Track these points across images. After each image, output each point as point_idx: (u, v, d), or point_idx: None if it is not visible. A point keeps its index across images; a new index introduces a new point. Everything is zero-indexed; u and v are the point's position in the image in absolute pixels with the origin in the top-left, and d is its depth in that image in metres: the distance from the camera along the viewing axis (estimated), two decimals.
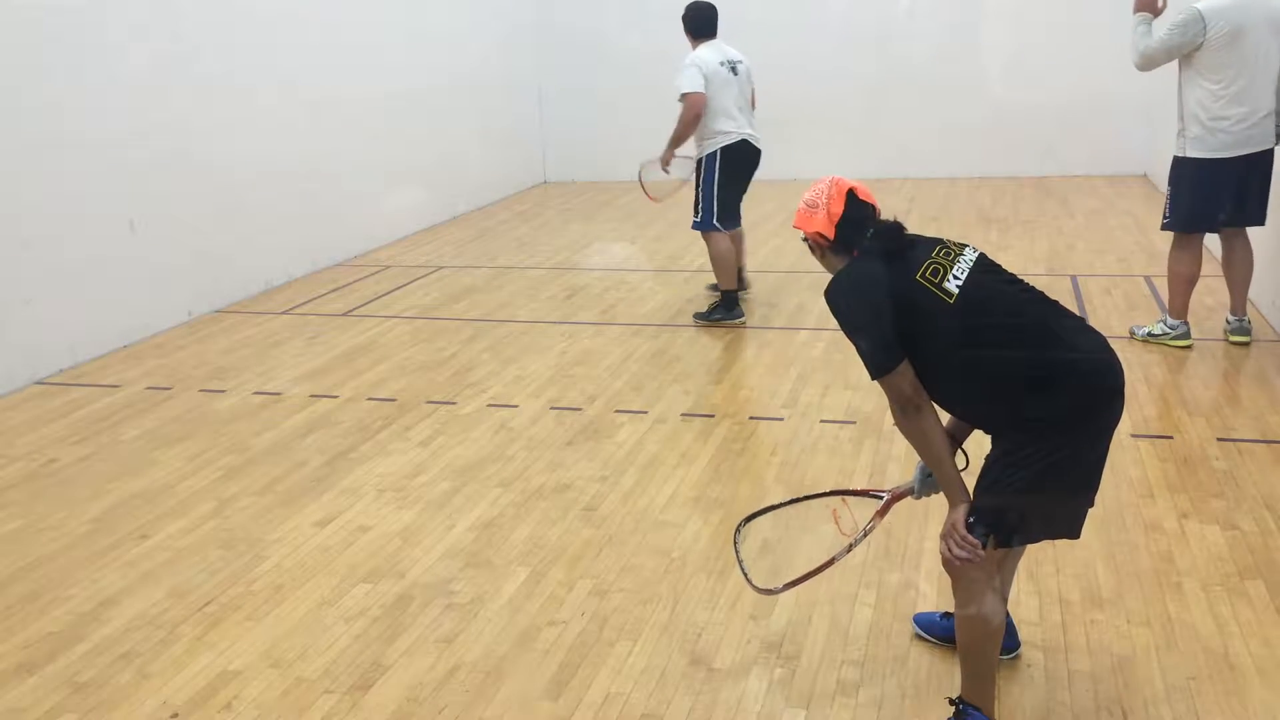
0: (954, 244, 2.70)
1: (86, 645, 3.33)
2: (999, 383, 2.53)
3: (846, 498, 2.93)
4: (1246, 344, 5.49)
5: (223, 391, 5.56)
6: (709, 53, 6.26)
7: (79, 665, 3.22)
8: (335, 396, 5.42)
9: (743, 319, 6.34)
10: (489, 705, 2.94)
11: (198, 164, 6.88)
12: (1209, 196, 5.21)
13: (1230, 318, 5.55)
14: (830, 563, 2.83)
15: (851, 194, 2.69)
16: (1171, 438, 4.45)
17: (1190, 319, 5.60)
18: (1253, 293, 6.08)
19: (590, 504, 4.12)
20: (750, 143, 6.33)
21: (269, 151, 7.54)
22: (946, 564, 2.61)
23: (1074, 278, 6.94)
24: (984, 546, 2.53)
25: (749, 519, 3.03)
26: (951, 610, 3.13)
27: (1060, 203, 9.46)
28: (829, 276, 2.74)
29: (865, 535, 2.81)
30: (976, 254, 2.68)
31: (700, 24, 6.34)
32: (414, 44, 9.35)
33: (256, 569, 3.74)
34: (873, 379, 2.60)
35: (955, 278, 2.58)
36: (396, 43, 9.11)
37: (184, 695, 3.05)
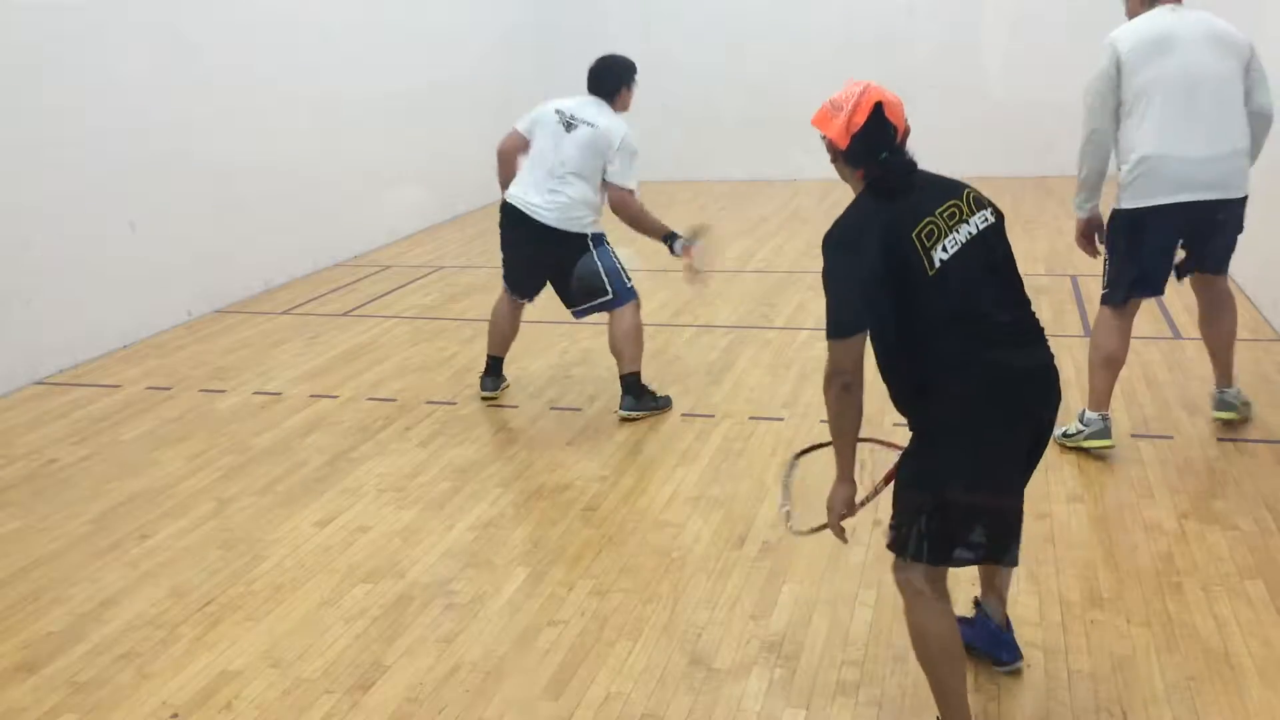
0: (968, 203, 2.52)
1: (86, 645, 3.33)
2: (920, 371, 2.49)
3: (876, 448, 2.90)
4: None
5: (223, 391, 5.56)
6: (561, 101, 5.38)
7: (79, 665, 3.22)
8: (335, 396, 5.41)
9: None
10: (489, 705, 2.95)
11: (198, 164, 6.88)
12: None
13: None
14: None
15: (879, 108, 2.48)
16: (1172, 438, 4.45)
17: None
18: (1252, 293, 6.10)
19: (590, 504, 4.12)
20: (512, 204, 5.02)
21: (269, 151, 7.54)
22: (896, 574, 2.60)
23: (1074, 278, 6.93)
24: (907, 550, 2.50)
25: (803, 453, 3.07)
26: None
27: (1060, 202, 9.44)
28: None
29: (876, 495, 2.77)
30: (988, 223, 2.52)
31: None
32: (414, 44, 9.34)
33: (256, 569, 3.74)
34: (827, 338, 2.50)
35: (946, 249, 2.43)
36: (396, 43, 9.10)
37: (184, 695, 3.05)
